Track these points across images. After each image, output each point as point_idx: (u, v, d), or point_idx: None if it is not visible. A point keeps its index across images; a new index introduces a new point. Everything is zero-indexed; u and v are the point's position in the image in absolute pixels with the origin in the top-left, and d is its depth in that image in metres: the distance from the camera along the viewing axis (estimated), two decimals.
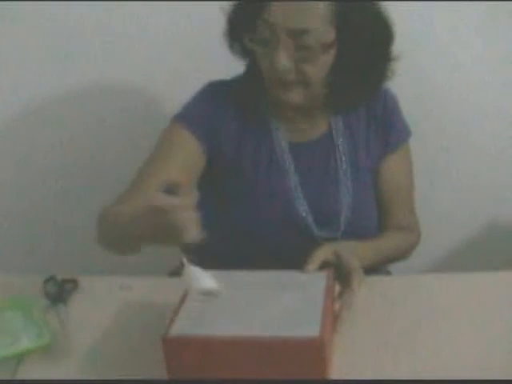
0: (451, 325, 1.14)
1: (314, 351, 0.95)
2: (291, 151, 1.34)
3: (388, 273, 1.46)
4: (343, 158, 1.34)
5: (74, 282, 1.31)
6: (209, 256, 1.40)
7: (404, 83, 1.72)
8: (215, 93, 1.36)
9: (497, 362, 1.04)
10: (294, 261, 1.24)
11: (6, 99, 1.80)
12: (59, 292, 1.28)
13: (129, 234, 1.01)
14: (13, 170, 1.89)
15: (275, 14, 1.17)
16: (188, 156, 1.30)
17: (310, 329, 0.97)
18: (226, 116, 1.34)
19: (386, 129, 1.37)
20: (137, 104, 1.81)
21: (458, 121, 1.81)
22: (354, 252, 1.19)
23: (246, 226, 1.31)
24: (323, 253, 1.16)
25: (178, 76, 1.70)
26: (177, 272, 1.47)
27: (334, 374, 1.00)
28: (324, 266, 1.15)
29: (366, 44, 1.21)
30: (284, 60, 1.18)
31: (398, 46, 1.66)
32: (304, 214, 1.31)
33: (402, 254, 1.41)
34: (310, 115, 1.34)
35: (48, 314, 1.21)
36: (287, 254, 1.29)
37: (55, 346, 1.11)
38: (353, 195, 1.33)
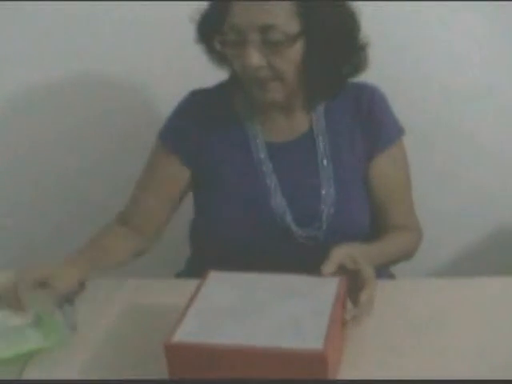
0: (456, 329, 1.14)
1: (317, 364, 0.94)
2: (269, 152, 1.35)
3: (392, 277, 1.46)
4: (324, 157, 1.34)
5: (81, 283, 1.32)
6: (198, 262, 1.44)
7: (411, 87, 1.74)
8: (194, 104, 1.41)
9: (504, 366, 1.04)
10: (276, 261, 1.26)
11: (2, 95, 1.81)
12: (65, 293, 1.28)
13: None
14: (17, 170, 1.89)
15: (239, 15, 1.20)
16: (172, 175, 1.40)
17: (314, 340, 0.96)
18: (205, 126, 1.38)
19: (374, 127, 1.36)
20: (137, 100, 1.82)
21: (465, 125, 1.81)
22: (368, 256, 1.16)
23: (226, 229, 1.33)
24: (339, 255, 1.13)
25: (177, 70, 1.72)
26: (183, 274, 1.48)
27: (340, 376, 1.01)
28: (339, 269, 1.12)
29: (331, 34, 1.23)
30: (254, 57, 1.21)
31: (406, 47, 1.69)
32: (282, 213, 1.32)
33: (406, 255, 1.39)
34: (289, 114, 1.36)
35: (55, 315, 1.22)
36: (268, 254, 1.32)
37: (62, 347, 1.11)
38: (335, 193, 1.32)
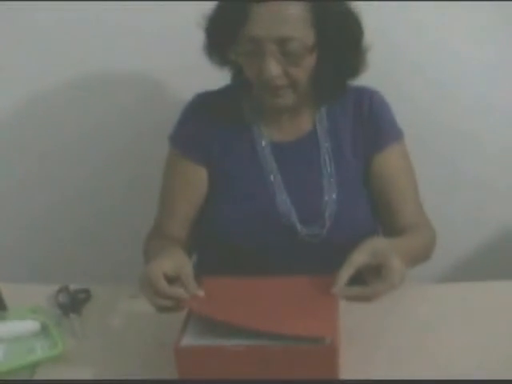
0: (461, 334, 1.14)
1: (326, 358, 0.97)
2: (274, 152, 1.38)
3: None
4: (327, 156, 1.37)
5: (87, 291, 1.33)
6: (202, 261, 1.46)
7: (415, 90, 1.74)
8: (201, 106, 1.43)
9: (510, 369, 1.04)
10: (281, 259, 1.31)
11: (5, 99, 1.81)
12: (72, 302, 1.29)
13: None
14: (21, 179, 1.90)
15: (257, 27, 1.21)
16: (193, 179, 1.41)
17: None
18: (212, 127, 1.40)
19: (374, 127, 1.38)
20: (147, 102, 1.82)
21: (470, 126, 1.81)
22: (395, 250, 1.11)
23: (230, 227, 1.34)
24: (358, 260, 1.09)
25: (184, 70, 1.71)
26: None
27: (344, 377, 1.01)
28: (363, 269, 1.09)
29: (343, 41, 1.27)
30: (273, 68, 1.23)
31: (407, 51, 1.70)
32: (287, 212, 1.34)
33: (425, 253, 1.36)
34: (294, 114, 1.39)
35: (61, 324, 1.22)
36: (273, 252, 1.34)
37: (68, 356, 1.12)
38: (337, 191, 1.34)
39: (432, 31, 1.71)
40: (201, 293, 1.09)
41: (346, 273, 1.07)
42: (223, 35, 1.26)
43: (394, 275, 1.06)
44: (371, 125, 1.38)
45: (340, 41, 1.27)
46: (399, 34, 1.68)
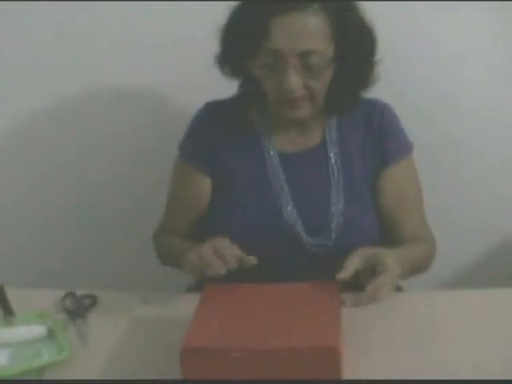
0: (463, 337, 1.15)
1: (330, 361, 0.98)
2: (282, 163, 1.38)
3: (399, 288, 1.47)
4: (335, 168, 1.37)
5: (93, 297, 1.34)
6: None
7: (417, 98, 1.75)
8: (210, 115, 1.44)
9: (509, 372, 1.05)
10: (287, 269, 1.31)
11: (13, 107, 1.82)
12: (78, 307, 1.30)
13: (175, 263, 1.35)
14: (29, 185, 1.91)
15: (279, 41, 1.22)
16: (197, 190, 1.43)
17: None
18: (221, 136, 1.41)
19: (383, 142, 1.39)
20: (149, 110, 1.84)
21: (472, 135, 1.82)
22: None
23: (235, 236, 1.32)
24: (356, 261, 1.15)
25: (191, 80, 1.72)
26: (193, 288, 1.50)
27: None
28: (361, 275, 1.15)
29: (360, 54, 1.30)
30: (294, 80, 1.24)
31: (410, 60, 1.71)
32: (293, 223, 1.34)
33: (423, 264, 1.40)
34: (303, 126, 1.39)
35: (67, 329, 1.23)
36: (279, 262, 1.34)
37: (74, 361, 1.13)
38: (345, 203, 1.35)
39: (439, 45, 1.72)
40: (254, 260, 1.17)
41: (352, 261, 1.14)
42: (243, 48, 1.26)
43: (388, 268, 1.11)
44: (381, 138, 1.38)
45: (357, 54, 1.29)
46: (406, 48, 1.68)
